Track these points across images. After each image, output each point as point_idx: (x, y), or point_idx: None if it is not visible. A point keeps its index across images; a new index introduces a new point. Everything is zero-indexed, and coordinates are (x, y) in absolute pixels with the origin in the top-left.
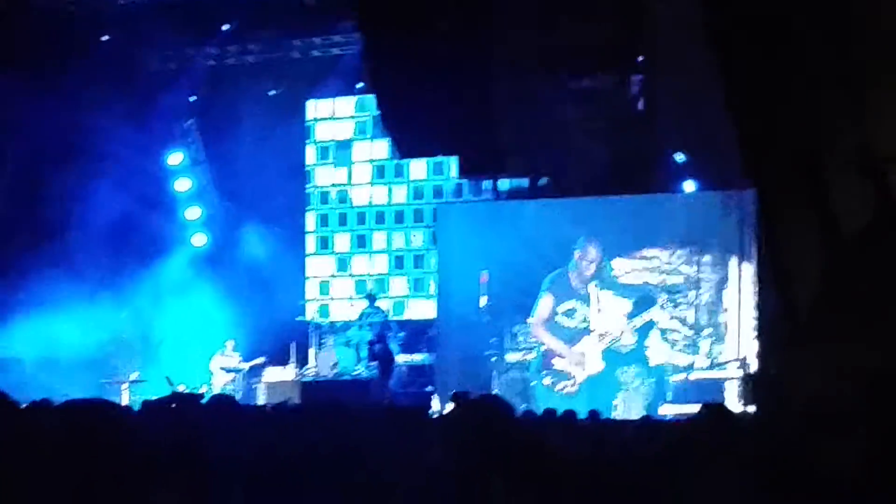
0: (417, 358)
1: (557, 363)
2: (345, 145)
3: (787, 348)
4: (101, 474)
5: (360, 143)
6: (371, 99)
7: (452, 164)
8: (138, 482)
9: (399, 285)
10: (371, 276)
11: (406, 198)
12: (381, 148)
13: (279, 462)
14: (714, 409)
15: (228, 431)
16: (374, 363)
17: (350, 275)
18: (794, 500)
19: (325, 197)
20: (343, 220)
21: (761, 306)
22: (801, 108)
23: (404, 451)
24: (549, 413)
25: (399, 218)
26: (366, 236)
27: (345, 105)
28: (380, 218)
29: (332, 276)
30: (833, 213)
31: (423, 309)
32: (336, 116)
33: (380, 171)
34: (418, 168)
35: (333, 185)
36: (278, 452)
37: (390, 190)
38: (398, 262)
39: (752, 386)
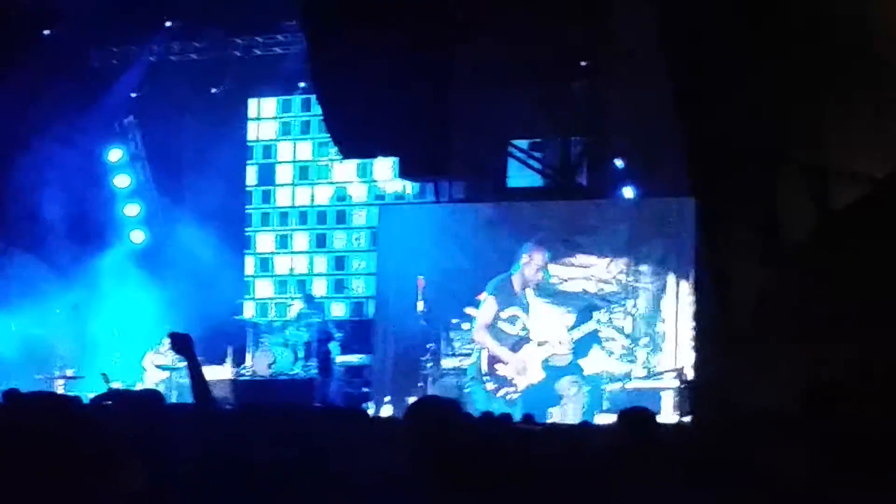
0: (355, 359)
1: (500, 369)
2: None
3: (724, 357)
4: (42, 467)
5: (283, 143)
6: (296, 100)
7: (379, 166)
8: (76, 474)
9: (320, 286)
10: (293, 275)
11: (329, 199)
12: (305, 149)
13: (209, 462)
14: (634, 415)
15: (153, 428)
16: (312, 363)
17: (272, 275)
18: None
19: (264, 196)
20: (266, 221)
21: (698, 315)
22: (743, 117)
23: (344, 452)
24: (489, 416)
25: (322, 219)
26: (287, 236)
27: (270, 106)
28: (302, 218)
29: (254, 276)
30: (772, 223)
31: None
32: (262, 117)
33: (302, 172)
34: (342, 170)
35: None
36: (209, 452)
37: (312, 192)
38: (325, 263)
39: (689, 394)
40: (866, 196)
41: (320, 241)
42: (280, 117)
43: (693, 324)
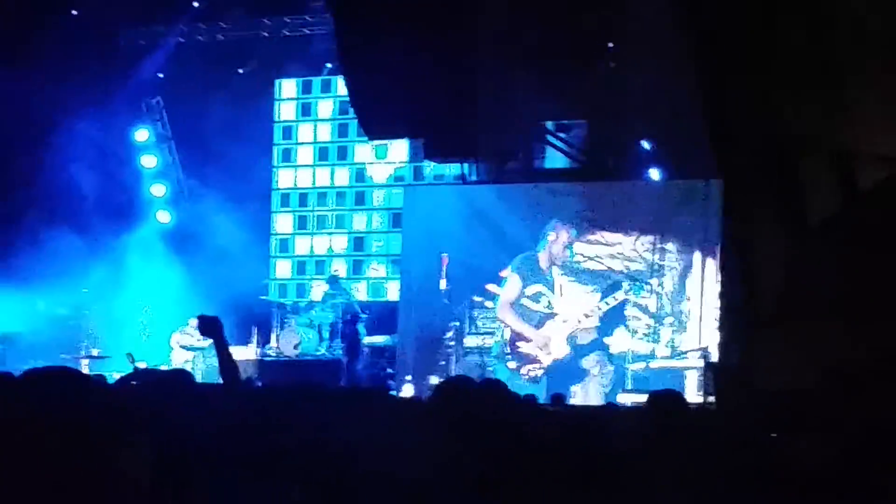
0: (379, 340)
1: (523, 347)
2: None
3: (750, 339)
4: (62, 441)
5: (303, 125)
6: (317, 81)
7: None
8: (98, 449)
9: (340, 268)
10: (313, 255)
11: (349, 180)
12: (325, 130)
13: (240, 441)
14: (666, 396)
15: (185, 407)
16: (338, 344)
17: (292, 256)
18: (753, 489)
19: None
20: (285, 202)
21: (724, 296)
22: (769, 99)
23: (371, 432)
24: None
25: (341, 200)
26: (306, 217)
27: (290, 87)
28: (321, 199)
29: (275, 256)
30: (798, 205)
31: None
32: (283, 98)
33: (322, 153)
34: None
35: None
36: (239, 431)
37: (332, 172)
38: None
39: (714, 375)
40: (890, 180)
41: (339, 222)
42: (300, 98)
43: (718, 304)
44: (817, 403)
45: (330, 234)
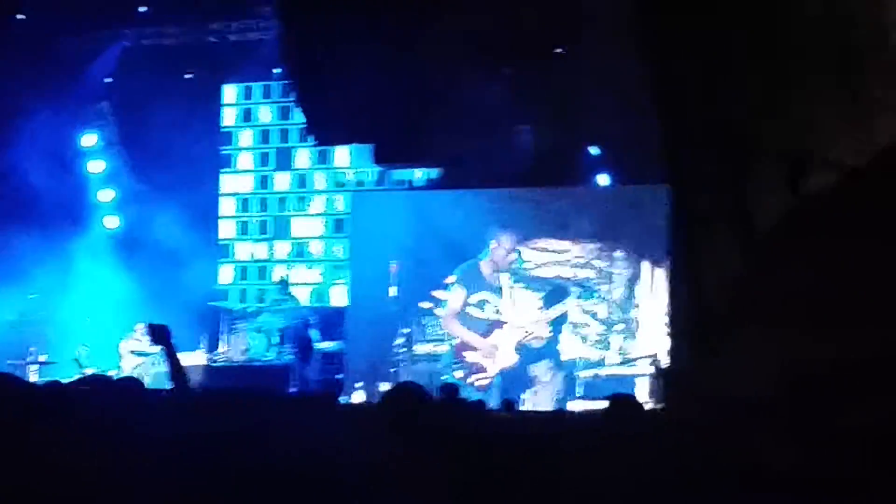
0: (328, 345)
1: (469, 356)
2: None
3: (700, 345)
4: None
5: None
6: (257, 87)
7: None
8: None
9: (281, 273)
10: (255, 261)
11: (290, 185)
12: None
13: (189, 447)
14: (624, 400)
15: (136, 414)
16: (288, 349)
17: (233, 261)
18: (704, 492)
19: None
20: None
21: (673, 301)
22: (721, 102)
23: (319, 438)
24: (466, 402)
25: (282, 205)
26: (248, 222)
27: (232, 92)
28: (262, 205)
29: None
30: (749, 208)
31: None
32: (226, 103)
33: (263, 158)
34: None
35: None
36: (188, 436)
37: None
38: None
39: (663, 382)
40: (841, 183)
41: (280, 227)
42: (241, 104)
43: (668, 310)
44: (769, 410)
45: (269, 239)
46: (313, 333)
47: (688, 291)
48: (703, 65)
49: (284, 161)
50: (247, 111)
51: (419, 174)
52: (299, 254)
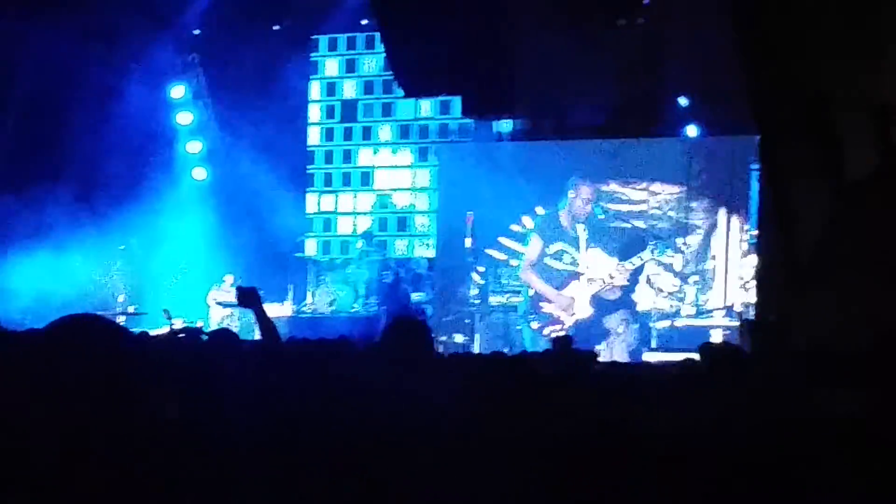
0: (419, 297)
1: (546, 307)
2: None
3: (788, 297)
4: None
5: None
6: (360, 38)
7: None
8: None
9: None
10: (354, 212)
11: (391, 136)
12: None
13: (281, 397)
14: (723, 349)
15: (232, 365)
16: (373, 301)
17: (333, 213)
18: (792, 444)
19: (327, 134)
20: (328, 159)
21: (761, 253)
22: (811, 55)
23: (411, 389)
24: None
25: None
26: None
27: (332, 43)
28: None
29: (315, 214)
30: (837, 160)
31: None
32: (325, 54)
33: (367, 110)
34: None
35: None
36: (279, 388)
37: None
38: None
39: (750, 333)
40: None
41: (365, 180)
42: (344, 54)
43: (745, 262)
44: (858, 362)
45: (354, 192)
46: (407, 288)
47: (778, 244)
48: (794, 18)
49: (371, 116)
50: (349, 62)
51: (505, 126)
52: (383, 206)
